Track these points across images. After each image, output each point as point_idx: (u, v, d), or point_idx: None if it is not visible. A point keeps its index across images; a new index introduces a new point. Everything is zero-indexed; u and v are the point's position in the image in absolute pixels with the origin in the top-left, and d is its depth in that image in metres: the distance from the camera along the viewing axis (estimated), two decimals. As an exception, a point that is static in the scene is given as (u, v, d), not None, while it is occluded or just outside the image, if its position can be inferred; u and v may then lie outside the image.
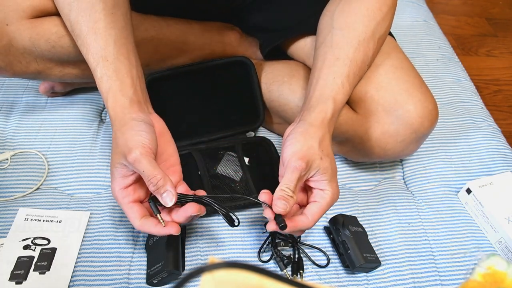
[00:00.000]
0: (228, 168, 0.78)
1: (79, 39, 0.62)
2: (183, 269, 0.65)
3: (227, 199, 0.73)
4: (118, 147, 0.57)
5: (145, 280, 0.64)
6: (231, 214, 0.60)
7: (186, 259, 0.67)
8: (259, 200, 0.60)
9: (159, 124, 0.62)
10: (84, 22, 0.62)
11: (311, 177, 0.60)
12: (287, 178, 0.58)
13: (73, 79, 0.79)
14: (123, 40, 0.62)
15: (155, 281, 0.62)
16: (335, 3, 0.71)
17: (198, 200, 0.58)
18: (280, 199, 0.57)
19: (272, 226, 0.58)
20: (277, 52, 0.84)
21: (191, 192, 0.60)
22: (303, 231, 0.62)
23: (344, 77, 0.65)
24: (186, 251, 0.68)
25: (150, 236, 0.67)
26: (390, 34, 0.82)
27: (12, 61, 0.71)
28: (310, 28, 0.77)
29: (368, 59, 0.68)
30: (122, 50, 0.61)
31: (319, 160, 0.59)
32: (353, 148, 0.76)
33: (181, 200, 0.58)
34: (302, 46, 0.81)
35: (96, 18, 0.61)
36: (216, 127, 0.82)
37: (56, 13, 0.70)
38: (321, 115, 0.62)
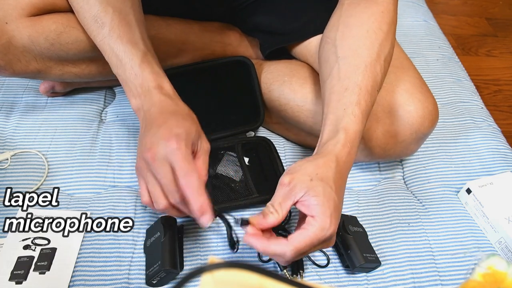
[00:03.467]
0: (228, 168, 0.78)
1: (105, 27, 0.63)
2: (182, 267, 0.65)
3: (227, 199, 0.74)
4: (194, 121, 0.60)
5: (145, 280, 0.64)
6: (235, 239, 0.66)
7: (186, 259, 0.67)
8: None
9: None
10: (116, 14, 0.64)
11: (300, 199, 0.55)
12: (274, 195, 0.57)
13: (73, 79, 0.79)
14: (147, 36, 0.67)
15: (154, 282, 0.63)
16: (334, 29, 0.68)
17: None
18: (260, 213, 0.56)
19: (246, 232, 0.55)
20: (278, 51, 0.84)
21: None
22: (286, 259, 0.54)
23: (354, 106, 0.60)
24: (186, 251, 0.68)
25: (147, 238, 0.67)
26: None
27: (12, 59, 0.71)
28: (313, 32, 0.77)
29: (377, 84, 0.64)
30: (151, 45, 0.66)
31: (308, 181, 0.55)
32: None
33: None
34: (305, 45, 0.81)
35: (127, 12, 0.65)
36: (216, 127, 0.82)
37: (54, 11, 0.70)
38: (329, 147, 0.58)
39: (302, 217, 0.58)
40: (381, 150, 0.73)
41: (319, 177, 0.55)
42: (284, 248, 0.52)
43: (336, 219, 0.54)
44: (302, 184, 0.55)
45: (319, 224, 0.53)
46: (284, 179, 0.56)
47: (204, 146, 0.60)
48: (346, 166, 0.59)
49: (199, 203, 0.54)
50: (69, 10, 0.70)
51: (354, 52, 0.64)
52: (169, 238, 0.64)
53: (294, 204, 0.55)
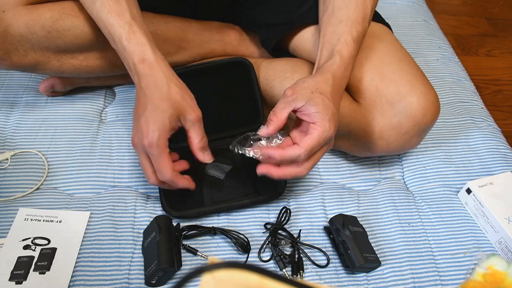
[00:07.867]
0: (227, 168, 0.78)
1: (97, 1, 0.65)
2: (180, 265, 0.65)
3: (225, 199, 0.74)
4: (171, 99, 0.63)
5: (144, 281, 0.64)
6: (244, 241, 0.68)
7: (186, 259, 0.68)
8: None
9: None
10: None
11: (301, 108, 0.62)
12: (276, 104, 0.64)
13: (72, 72, 0.79)
14: (138, 7, 0.68)
15: (153, 281, 0.63)
16: None
17: None
18: (264, 124, 0.65)
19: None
20: (279, 49, 0.84)
21: None
22: (301, 164, 0.63)
23: (347, 35, 0.68)
24: (186, 251, 0.68)
25: (144, 239, 0.67)
26: (389, 28, 0.83)
27: (9, 48, 0.71)
28: (312, 19, 0.78)
29: (367, 16, 0.71)
30: (140, 14, 0.67)
31: (309, 93, 0.62)
32: (356, 141, 0.76)
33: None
34: (306, 39, 0.81)
35: None
36: (216, 128, 0.81)
37: (50, 0, 0.72)
38: (327, 67, 0.66)
39: (296, 124, 0.66)
40: (384, 142, 0.73)
41: (318, 90, 0.63)
42: (297, 151, 0.61)
43: (334, 124, 0.63)
44: (303, 95, 0.62)
45: (321, 128, 0.61)
46: (287, 91, 0.63)
47: (192, 117, 0.64)
48: (342, 83, 0.67)
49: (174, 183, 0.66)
50: None
51: None
52: (165, 237, 0.64)
53: (294, 112, 0.63)
